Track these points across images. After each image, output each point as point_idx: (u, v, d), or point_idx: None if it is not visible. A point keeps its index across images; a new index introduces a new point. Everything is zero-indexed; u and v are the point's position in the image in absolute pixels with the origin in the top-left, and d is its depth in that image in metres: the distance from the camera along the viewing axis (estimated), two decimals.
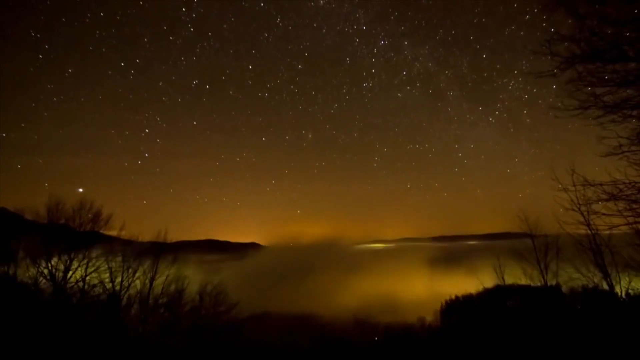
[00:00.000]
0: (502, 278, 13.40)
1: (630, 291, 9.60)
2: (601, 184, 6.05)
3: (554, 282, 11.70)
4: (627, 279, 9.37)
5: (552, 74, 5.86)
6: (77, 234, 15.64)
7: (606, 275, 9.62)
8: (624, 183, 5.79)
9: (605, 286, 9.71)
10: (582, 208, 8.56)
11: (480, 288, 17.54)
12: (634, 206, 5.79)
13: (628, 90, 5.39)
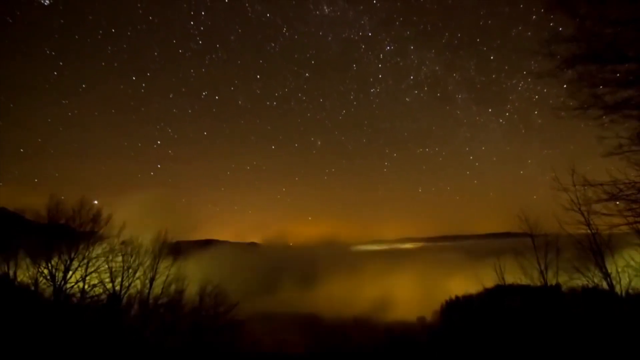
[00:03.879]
0: (502, 278, 13.39)
1: (630, 291, 9.61)
2: (601, 184, 6.06)
3: (554, 282, 11.69)
4: (627, 279, 9.37)
5: (552, 75, 5.88)
6: (77, 234, 15.63)
7: (606, 275, 9.62)
8: (624, 183, 5.80)
9: (605, 286, 9.71)
10: (582, 208, 8.60)
11: (480, 288, 17.50)
12: (634, 206, 5.80)
13: (628, 91, 5.39)
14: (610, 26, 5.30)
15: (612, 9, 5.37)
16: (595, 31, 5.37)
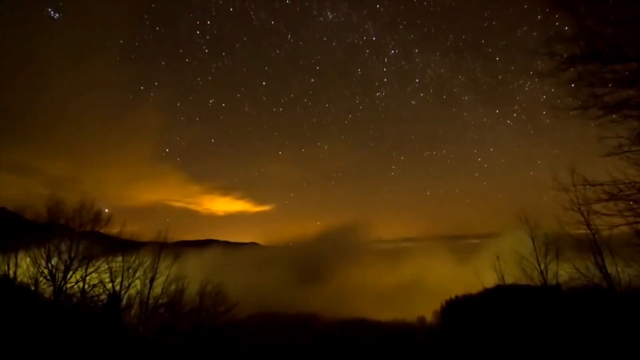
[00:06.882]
0: (502, 278, 13.38)
1: (630, 291, 9.59)
2: (601, 184, 6.06)
3: (554, 282, 11.68)
4: (627, 279, 9.35)
5: (553, 75, 5.87)
6: (77, 234, 15.64)
7: (606, 275, 9.61)
8: (624, 183, 5.79)
9: (605, 286, 9.70)
10: (582, 208, 8.60)
11: (480, 288, 17.50)
12: (634, 206, 5.80)
13: (628, 91, 5.39)
14: (610, 26, 5.30)
15: (612, 8, 5.37)
16: (596, 31, 5.36)
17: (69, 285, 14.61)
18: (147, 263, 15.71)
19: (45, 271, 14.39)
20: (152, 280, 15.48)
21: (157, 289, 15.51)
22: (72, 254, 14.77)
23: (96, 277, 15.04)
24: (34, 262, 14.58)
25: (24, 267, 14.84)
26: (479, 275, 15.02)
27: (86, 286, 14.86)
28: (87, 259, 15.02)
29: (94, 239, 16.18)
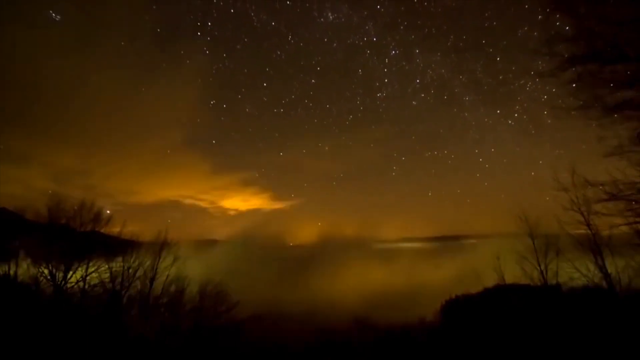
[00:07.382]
0: (502, 278, 13.39)
1: (630, 291, 9.60)
2: (601, 184, 6.07)
3: (554, 282, 11.69)
4: (627, 279, 9.36)
5: (553, 75, 5.88)
6: (77, 234, 15.65)
7: (606, 275, 9.62)
8: (624, 183, 5.80)
9: (605, 286, 9.71)
10: (582, 208, 8.62)
11: (480, 288, 17.51)
12: (634, 206, 5.80)
13: (629, 91, 5.39)
14: (610, 26, 5.30)
15: (612, 8, 5.37)
16: (596, 31, 5.37)
17: (69, 285, 14.62)
18: (147, 263, 15.73)
19: (46, 271, 14.40)
20: (152, 280, 15.49)
21: (158, 288, 15.52)
22: (72, 254, 14.78)
23: (96, 277, 15.05)
24: (35, 262, 14.60)
25: (24, 267, 14.86)
26: (479, 275, 15.03)
27: (86, 286, 14.87)
28: (87, 259, 15.03)
29: (94, 239, 16.19)
